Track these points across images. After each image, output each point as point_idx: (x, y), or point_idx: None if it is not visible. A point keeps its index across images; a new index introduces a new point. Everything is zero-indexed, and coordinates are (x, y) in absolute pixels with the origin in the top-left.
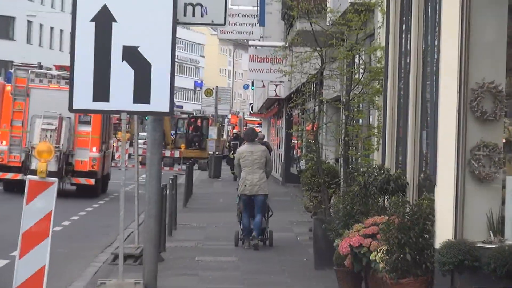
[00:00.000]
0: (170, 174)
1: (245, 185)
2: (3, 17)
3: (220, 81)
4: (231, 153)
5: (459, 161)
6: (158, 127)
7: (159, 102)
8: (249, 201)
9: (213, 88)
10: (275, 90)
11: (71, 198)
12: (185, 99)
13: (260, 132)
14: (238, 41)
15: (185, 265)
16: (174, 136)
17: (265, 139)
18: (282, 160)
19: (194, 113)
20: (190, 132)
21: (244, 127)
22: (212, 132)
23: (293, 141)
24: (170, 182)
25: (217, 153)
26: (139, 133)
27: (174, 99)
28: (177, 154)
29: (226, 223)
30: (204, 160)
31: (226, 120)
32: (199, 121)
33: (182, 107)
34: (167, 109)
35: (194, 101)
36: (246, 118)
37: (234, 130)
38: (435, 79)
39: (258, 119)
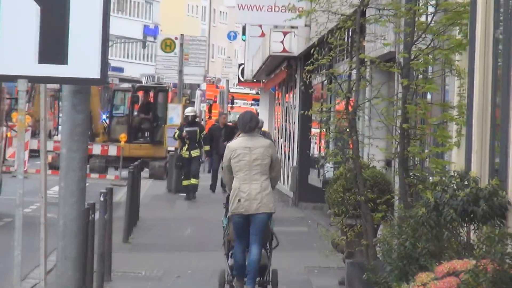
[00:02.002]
0: (101, 185)
1: (239, 200)
2: None
3: (188, 27)
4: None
5: None
6: (82, 105)
7: (82, 62)
8: (244, 224)
9: (176, 39)
10: (282, 42)
11: None
12: (128, 57)
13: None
14: None
15: None
16: (108, 122)
17: (265, 128)
18: (294, 163)
19: (143, 82)
20: (135, 113)
21: (229, 106)
22: (174, 113)
23: (312, 129)
24: (102, 199)
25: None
26: (52, 116)
27: (109, 58)
28: (113, 151)
29: (199, 271)
30: (160, 161)
31: (199, 93)
32: (151, 95)
33: (122, 70)
34: (96, 75)
35: (144, 61)
36: (232, 91)
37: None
38: None
39: (253, 92)
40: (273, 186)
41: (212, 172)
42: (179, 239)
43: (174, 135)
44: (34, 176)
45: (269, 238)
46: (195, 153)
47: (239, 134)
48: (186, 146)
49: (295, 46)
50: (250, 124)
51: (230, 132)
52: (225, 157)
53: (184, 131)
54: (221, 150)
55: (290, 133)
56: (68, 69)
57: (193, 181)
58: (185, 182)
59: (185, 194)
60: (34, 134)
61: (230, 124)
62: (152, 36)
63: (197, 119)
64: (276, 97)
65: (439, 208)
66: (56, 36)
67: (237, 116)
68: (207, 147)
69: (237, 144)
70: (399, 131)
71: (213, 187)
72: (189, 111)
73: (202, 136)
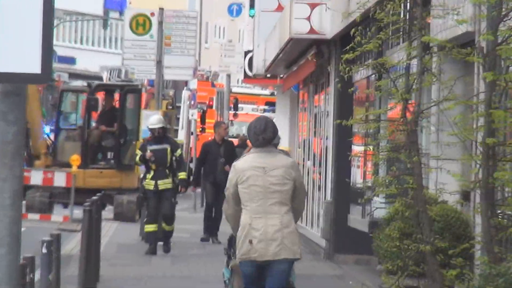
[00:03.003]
0: (44, 229)
1: (251, 241)
2: None
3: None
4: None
5: None
6: (14, 113)
7: (13, 50)
8: (256, 275)
9: (152, 15)
10: (309, 19)
11: None
12: (83, 43)
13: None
14: None
15: None
16: (53, 137)
17: (283, 145)
18: (327, 196)
19: (105, 78)
20: (93, 125)
21: (231, 112)
22: (153, 122)
23: (354, 147)
24: (44, 250)
25: None
26: None
27: (55, 43)
28: (60, 180)
29: None
30: (130, 195)
31: (186, 94)
32: (116, 97)
33: (73, 61)
34: (35, 68)
35: (105, 47)
36: (236, 91)
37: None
38: None
39: (266, 92)
40: (295, 220)
41: (205, 210)
42: None
43: (135, 159)
44: None
45: None
46: (164, 184)
47: (249, 150)
48: (152, 173)
49: (328, 24)
50: (265, 135)
51: (231, 150)
52: (229, 181)
53: (148, 151)
54: (219, 177)
55: (321, 152)
56: None
57: (165, 227)
58: (148, 227)
59: (163, 244)
60: None
61: (233, 140)
62: (117, 11)
63: (168, 133)
64: (301, 99)
65: None
66: None
67: (244, 127)
68: (182, 174)
69: (246, 163)
70: (482, 149)
71: (208, 233)
72: (154, 121)
73: (176, 158)
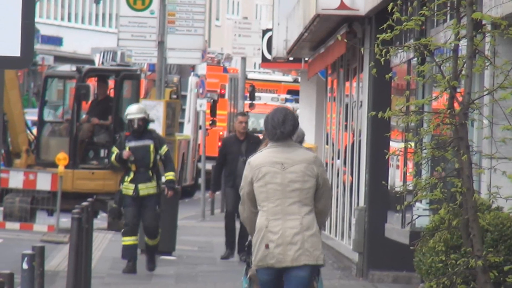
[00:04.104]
0: (24, 241)
1: (267, 246)
2: None
3: None
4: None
5: None
6: None
7: None
8: (275, 283)
9: None
10: None
11: None
12: (71, 20)
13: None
14: None
15: None
16: (35, 132)
17: (308, 142)
18: (360, 202)
19: (97, 62)
20: (83, 117)
21: (247, 102)
22: (152, 115)
23: (392, 143)
24: (25, 266)
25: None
26: None
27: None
28: (44, 183)
29: None
30: None
31: (194, 80)
32: (110, 84)
33: (60, 42)
34: (14, 51)
35: (97, 26)
36: (252, 77)
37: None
38: None
39: (288, 79)
40: (320, 224)
41: (226, 221)
42: None
43: (111, 158)
44: None
45: None
46: (146, 188)
47: (266, 144)
48: (131, 175)
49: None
50: (283, 129)
51: (255, 146)
52: (244, 179)
53: (127, 149)
54: (240, 180)
55: (352, 149)
56: None
57: (148, 241)
58: (126, 240)
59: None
60: None
61: (258, 135)
62: None
63: (150, 126)
64: (329, 87)
65: None
66: None
67: (262, 120)
68: (170, 175)
69: (262, 159)
70: None
71: (231, 248)
72: (133, 110)
73: (161, 156)
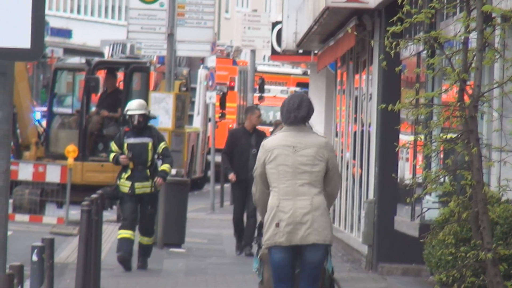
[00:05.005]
0: (34, 233)
1: (277, 224)
2: None
3: None
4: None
5: None
6: (2, 95)
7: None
8: (287, 262)
9: None
10: None
11: None
12: (80, 12)
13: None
14: None
15: None
16: (44, 124)
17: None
18: (369, 195)
19: (107, 55)
20: (93, 109)
21: (256, 95)
22: (161, 108)
23: (402, 136)
24: (35, 258)
25: (181, 172)
26: None
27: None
28: (54, 175)
29: None
30: None
31: (203, 73)
32: (120, 77)
33: (69, 34)
34: (25, 43)
35: (107, 18)
36: (261, 69)
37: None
38: None
39: (298, 71)
40: (329, 204)
41: (234, 218)
42: None
43: (109, 155)
44: None
45: (323, 281)
46: (143, 187)
47: (281, 128)
48: (128, 172)
49: None
50: (297, 113)
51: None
52: (257, 161)
53: (125, 145)
54: (250, 173)
55: (362, 142)
56: None
57: (143, 239)
58: (122, 233)
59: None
60: None
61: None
62: None
63: (150, 123)
64: (338, 80)
65: None
66: None
67: (272, 113)
68: (165, 166)
69: (275, 141)
70: None
71: (239, 240)
72: (134, 106)
73: (158, 155)
